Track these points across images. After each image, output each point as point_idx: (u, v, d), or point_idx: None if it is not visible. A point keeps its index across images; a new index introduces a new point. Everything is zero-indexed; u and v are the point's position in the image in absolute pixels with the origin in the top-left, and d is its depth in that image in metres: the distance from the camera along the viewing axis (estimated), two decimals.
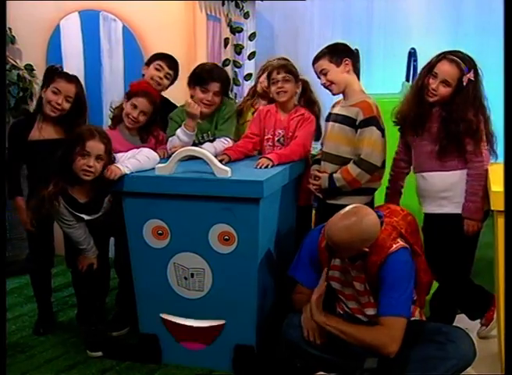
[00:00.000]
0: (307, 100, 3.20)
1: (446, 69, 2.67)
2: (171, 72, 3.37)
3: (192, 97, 3.10)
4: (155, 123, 3.12)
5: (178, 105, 3.30)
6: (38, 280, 3.19)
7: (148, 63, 3.39)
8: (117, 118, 3.13)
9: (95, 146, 2.68)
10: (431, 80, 2.69)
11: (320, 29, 5.64)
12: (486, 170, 2.64)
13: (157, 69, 3.34)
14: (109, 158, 2.72)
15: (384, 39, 5.43)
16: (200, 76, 3.07)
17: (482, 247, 2.84)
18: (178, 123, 3.08)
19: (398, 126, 2.90)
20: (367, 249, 2.33)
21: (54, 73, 3.00)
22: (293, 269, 2.64)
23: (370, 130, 2.77)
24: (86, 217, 2.81)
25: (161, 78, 3.34)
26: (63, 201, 2.74)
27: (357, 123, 2.80)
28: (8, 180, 3.04)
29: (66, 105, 2.96)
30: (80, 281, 3.03)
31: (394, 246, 2.35)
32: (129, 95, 3.07)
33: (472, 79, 2.65)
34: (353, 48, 2.98)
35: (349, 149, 2.85)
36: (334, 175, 2.84)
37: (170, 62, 3.38)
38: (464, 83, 2.64)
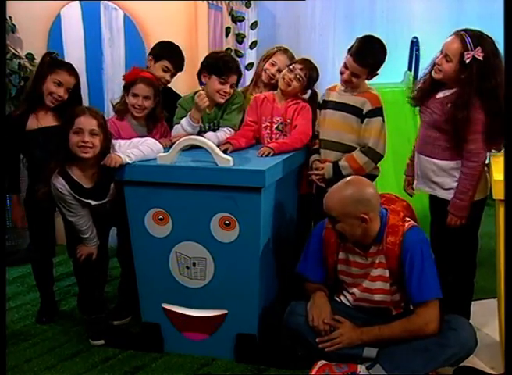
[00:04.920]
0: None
1: (448, 42, 2.59)
2: (177, 71, 3.36)
3: (202, 84, 3.07)
4: (159, 106, 3.09)
5: (180, 95, 3.29)
6: (40, 269, 3.20)
7: (155, 58, 3.32)
8: (122, 111, 3.11)
9: (86, 121, 2.68)
10: (439, 55, 2.64)
11: (322, 18, 5.61)
12: (481, 171, 2.62)
13: (164, 71, 3.31)
14: (106, 135, 2.72)
15: (386, 28, 5.39)
16: (221, 67, 3.00)
17: (484, 236, 2.84)
18: (186, 110, 3.07)
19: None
20: (365, 215, 2.33)
21: (54, 63, 2.99)
22: (302, 267, 2.64)
23: (377, 120, 2.83)
24: (93, 202, 2.81)
25: (167, 80, 3.34)
26: (68, 187, 2.75)
27: (364, 113, 2.83)
28: (7, 175, 3.04)
29: (66, 96, 2.98)
30: (81, 270, 3.04)
31: (407, 224, 2.40)
32: (126, 87, 3.06)
33: (478, 58, 2.47)
34: (354, 37, 2.95)
35: (354, 138, 2.88)
36: (340, 163, 2.86)
37: (177, 61, 3.34)
38: (466, 60, 2.48)
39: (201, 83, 3.10)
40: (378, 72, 2.86)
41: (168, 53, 3.34)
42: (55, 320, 3.16)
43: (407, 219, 2.45)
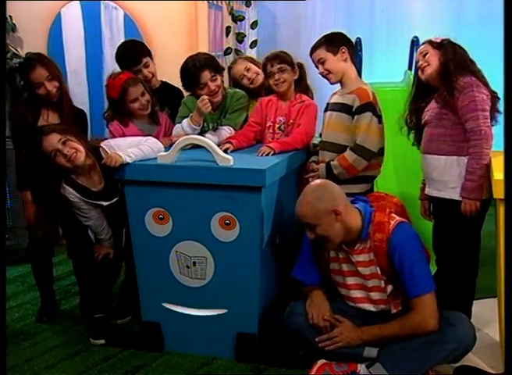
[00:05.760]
0: (303, 84, 3.17)
1: (420, 47, 2.78)
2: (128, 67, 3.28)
3: (199, 97, 3.06)
4: (149, 93, 3.08)
5: (177, 87, 3.30)
6: (39, 269, 3.21)
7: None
8: (120, 117, 3.08)
9: (53, 140, 2.72)
10: (420, 58, 2.76)
11: (322, 17, 5.62)
12: (487, 150, 2.59)
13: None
14: (76, 133, 2.80)
15: (386, 27, 5.41)
16: (188, 78, 3.04)
17: (485, 236, 2.84)
18: (189, 109, 3.08)
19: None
20: (336, 208, 2.34)
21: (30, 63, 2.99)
22: (296, 271, 2.65)
23: (366, 115, 2.77)
24: (105, 203, 2.85)
25: (147, 75, 3.30)
26: (77, 193, 2.78)
27: (353, 110, 2.80)
28: (17, 171, 3.07)
29: (52, 89, 2.98)
30: (81, 270, 3.04)
31: (392, 222, 2.40)
32: (120, 100, 3.01)
33: (444, 42, 2.69)
34: (354, 36, 2.98)
35: (347, 137, 2.84)
36: (331, 162, 2.83)
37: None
38: (437, 40, 2.69)
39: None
40: (345, 46, 2.82)
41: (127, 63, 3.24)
42: (55, 320, 3.16)
43: (393, 215, 2.44)
